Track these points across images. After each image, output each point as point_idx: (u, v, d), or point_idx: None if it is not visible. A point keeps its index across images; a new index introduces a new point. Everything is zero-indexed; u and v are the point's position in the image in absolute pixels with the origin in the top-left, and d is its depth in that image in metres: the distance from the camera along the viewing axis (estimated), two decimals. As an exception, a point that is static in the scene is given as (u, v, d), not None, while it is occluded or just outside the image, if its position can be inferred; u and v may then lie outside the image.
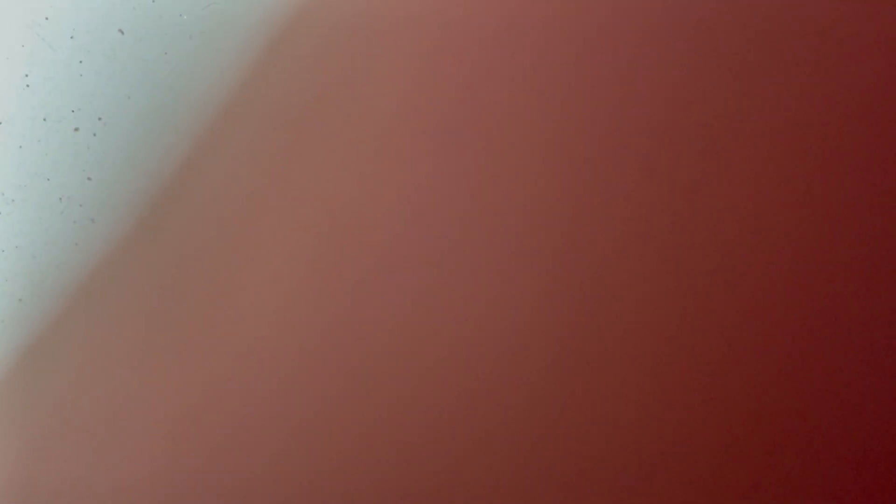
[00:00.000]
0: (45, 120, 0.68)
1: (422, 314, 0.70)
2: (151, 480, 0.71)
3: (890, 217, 0.62)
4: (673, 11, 0.66)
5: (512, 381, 0.69)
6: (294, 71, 0.70)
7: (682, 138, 0.66)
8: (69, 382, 0.71)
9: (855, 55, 0.63)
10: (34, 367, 0.70)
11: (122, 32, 0.69)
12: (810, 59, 0.63)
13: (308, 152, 0.70)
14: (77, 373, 0.71)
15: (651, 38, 0.66)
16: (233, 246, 0.71)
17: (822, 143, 0.64)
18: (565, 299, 0.68)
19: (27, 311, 0.69)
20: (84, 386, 0.71)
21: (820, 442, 0.64)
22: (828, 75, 0.63)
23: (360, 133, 0.70)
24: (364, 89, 0.70)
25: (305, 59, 0.70)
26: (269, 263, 0.71)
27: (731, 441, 0.65)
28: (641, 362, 0.67)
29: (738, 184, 0.65)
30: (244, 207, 0.70)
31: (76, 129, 0.69)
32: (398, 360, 0.70)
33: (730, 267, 0.65)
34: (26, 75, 0.67)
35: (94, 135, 0.69)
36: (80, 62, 0.68)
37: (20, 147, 0.68)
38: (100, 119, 0.69)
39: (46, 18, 0.67)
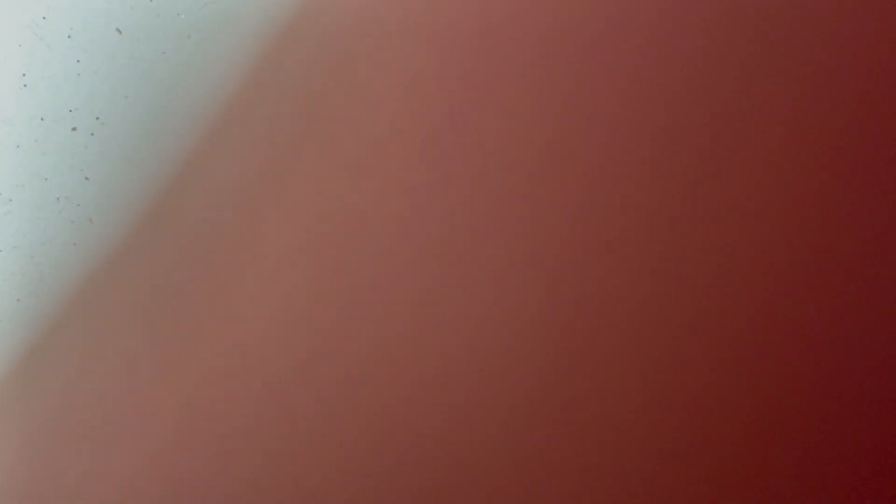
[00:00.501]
0: (42, 119, 0.68)
1: (421, 315, 0.70)
2: (151, 479, 0.72)
3: (890, 217, 0.62)
4: (671, 11, 0.66)
5: (511, 383, 0.69)
6: (292, 70, 0.70)
7: (681, 139, 0.66)
8: (68, 382, 0.71)
9: (855, 55, 0.63)
10: (33, 367, 0.70)
11: (120, 32, 0.68)
12: (809, 59, 0.64)
13: (307, 152, 0.70)
14: (76, 372, 0.71)
15: (649, 38, 0.66)
16: (231, 246, 0.71)
17: (821, 144, 0.64)
18: (564, 300, 0.68)
19: (25, 311, 0.69)
20: (83, 385, 0.71)
21: (819, 441, 0.64)
22: (827, 75, 0.63)
23: (360, 132, 0.70)
24: (363, 89, 0.70)
25: (304, 58, 0.70)
26: (268, 263, 0.71)
27: (729, 442, 0.65)
28: (640, 364, 0.67)
29: (736, 184, 0.65)
30: (243, 207, 0.70)
31: (74, 129, 0.68)
32: (398, 362, 0.70)
33: (729, 266, 0.65)
34: (24, 75, 0.67)
35: (92, 134, 0.69)
36: (78, 62, 0.68)
37: (18, 147, 0.68)
38: (98, 119, 0.69)
39: (44, 18, 0.67)
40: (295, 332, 0.71)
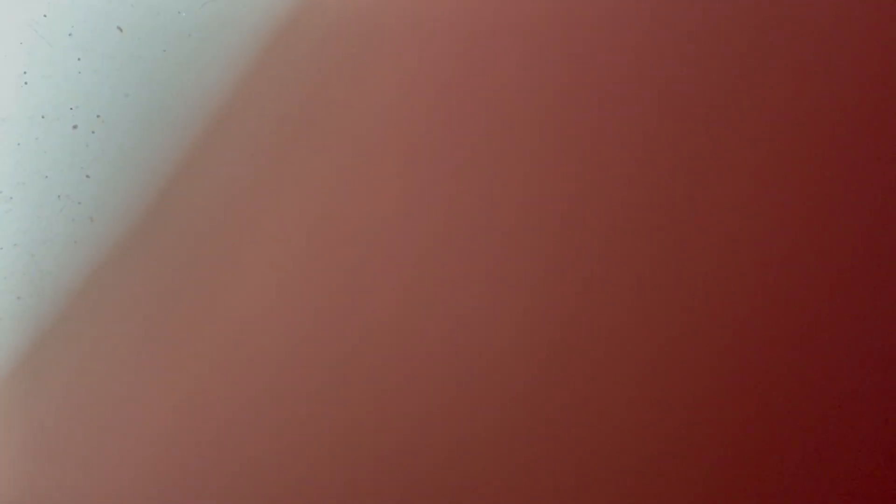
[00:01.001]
0: (43, 118, 0.68)
1: (419, 314, 0.70)
2: (150, 478, 0.71)
3: (890, 217, 0.62)
4: (668, 11, 0.66)
5: (505, 381, 0.69)
6: (292, 68, 0.70)
7: (676, 138, 0.66)
8: (68, 380, 0.71)
9: (854, 55, 0.63)
10: (33, 365, 0.70)
11: (121, 30, 0.68)
12: (806, 58, 0.64)
13: (307, 150, 0.70)
14: (76, 370, 0.71)
15: (645, 38, 0.66)
16: (231, 244, 0.71)
17: (820, 143, 0.64)
18: (558, 299, 0.68)
19: (26, 309, 0.69)
20: (83, 383, 0.71)
21: (818, 441, 0.64)
22: (826, 75, 0.63)
23: (360, 131, 0.70)
24: (362, 87, 0.70)
25: (303, 56, 0.70)
26: (267, 262, 0.71)
27: (725, 443, 0.65)
28: (634, 363, 0.67)
29: (734, 183, 0.65)
30: (243, 205, 0.70)
31: (75, 127, 0.68)
32: (397, 363, 0.70)
33: (724, 266, 0.65)
34: (24, 73, 0.67)
35: (93, 132, 0.69)
36: (79, 60, 0.68)
37: (18, 145, 0.68)
38: (98, 117, 0.69)
39: (45, 16, 0.67)
40: (295, 329, 0.71)
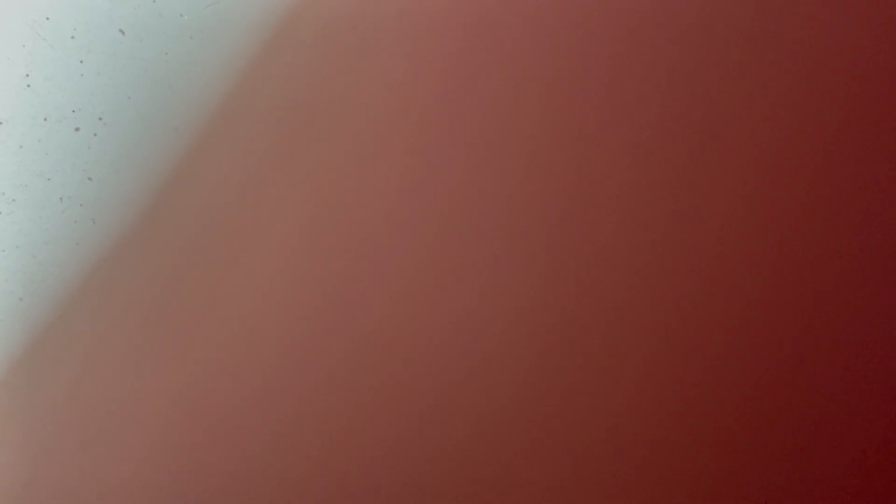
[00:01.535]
0: (45, 120, 0.68)
1: (417, 312, 0.70)
2: (150, 478, 0.72)
3: (889, 217, 0.62)
4: (667, 10, 0.66)
5: (503, 378, 0.69)
6: (293, 70, 0.71)
7: (673, 137, 0.66)
8: (69, 380, 0.71)
9: (854, 55, 0.63)
10: (34, 365, 0.70)
11: (123, 32, 0.69)
12: (804, 58, 0.64)
13: (308, 151, 0.70)
14: (77, 371, 0.71)
15: (642, 37, 0.66)
16: (232, 245, 0.71)
17: (817, 144, 0.64)
18: (558, 298, 0.68)
19: (28, 310, 0.70)
20: (84, 384, 0.71)
21: (818, 441, 0.64)
22: (825, 75, 0.64)
23: (359, 131, 0.70)
24: (362, 88, 0.70)
25: (304, 58, 0.71)
26: (269, 263, 0.71)
27: (722, 443, 0.66)
28: (631, 360, 0.67)
29: (734, 182, 0.65)
30: (244, 207, 0.71)
31: (77, 129, 0.69)
32: (397, 361, 0.70)
33: (721, 263, 0.66)
34: (27, 75, 0.67)
35: (95, 134, 0.69)
36: (81, 62, 0.68)
37: (21, 147, 0.68)
38: (100, 119, 0.69)
39: (47, 18, 0.67)
40: (294, 331, 0.71)
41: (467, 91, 0.69)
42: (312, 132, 0.70)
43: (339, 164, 0.70)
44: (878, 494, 0.63)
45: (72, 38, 0.68)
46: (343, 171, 0.70)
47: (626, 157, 0.67)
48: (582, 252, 0.67)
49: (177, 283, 0.71)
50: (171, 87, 0.70)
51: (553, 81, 0.68)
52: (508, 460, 0.69)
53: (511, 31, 0.68)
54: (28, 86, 0.67)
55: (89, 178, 0.69)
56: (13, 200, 0.68)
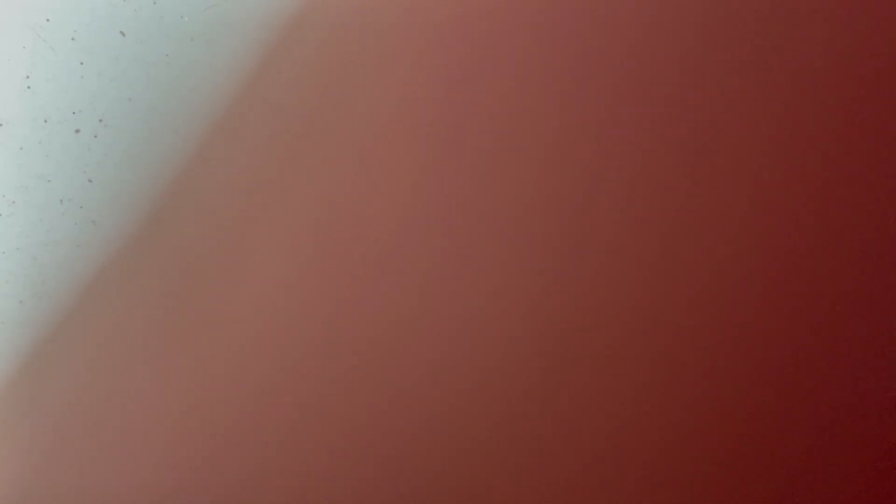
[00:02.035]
0: (46, 122, 0.68)
1: (419, 315, 0.70)
2: (153, 481, 0.72)
3: (889, 217, 0.63)
4: (669, 10, 0.66)
5: (508, 382, 0.69)
6: (294, 72, 0.71)
7: (677, 138, 0.66)
8: (71, 383, 0.71)
9: (854, 55, 0.63)
10: (36, 368, 0.70)
11: (124, 34, 0.68)
12: (805, 58, 0.64)
13: (309, 153, 0.70)
14: (78, 374, 0.71)
15: (645, 37, 0.66)
16: (234, 247, 0.71)
17: (818, 144, 0.64)
18: (565, 299, 0.68)
19: (28, 313, 0.69)
20: (85, 387, 0.71)
21: (817, 442, 0.64)
22: (825, 76, 0.64)
23: (361, 134, 0.70)
24: (364, 91, 0.70)
25: (305, 61, 0.71)
26: (270, 265, 0.71)
27: (721, 445, 0.66)
28: (633, 363, 0.67)
29: (737, 183, 0.65)
30: (245, 208, 0.70)
31: (77, 131, 0.68)
32: (403, 365, 0.70)
33: (724, 264, 0.66)
34: (27, 77, 0.67)
35: (96, 136, 0.69)
36: (82, 64, 0.68)
37: (21, 149, 0.68)
38: (101, 121, 0.69)
39: (48, 20, 0.67)
40: (297, 333, 0.71)
41: (473, 94, 0.69)
42: (315, 134, 0.70)
43: (343, 167, 0.70)
44: (880, 495, 0.63)
45: (72, 39, 0.68)
46: (347, 174, 0.70)
47: (637, 157, 0.67)
48: (592, 254, 0.68)
49: (179, 285, 0.71)
50: (172, 89, 0.69)
51: (563, 85, 0.68)
52: (518, 464, 0.69)
53: (521, 34, 0.68)
54: (28, 87, 0.67)
55: (90, 181, 0.69)
56: (13, 202, 0.68)
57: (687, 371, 0.66)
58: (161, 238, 0.70)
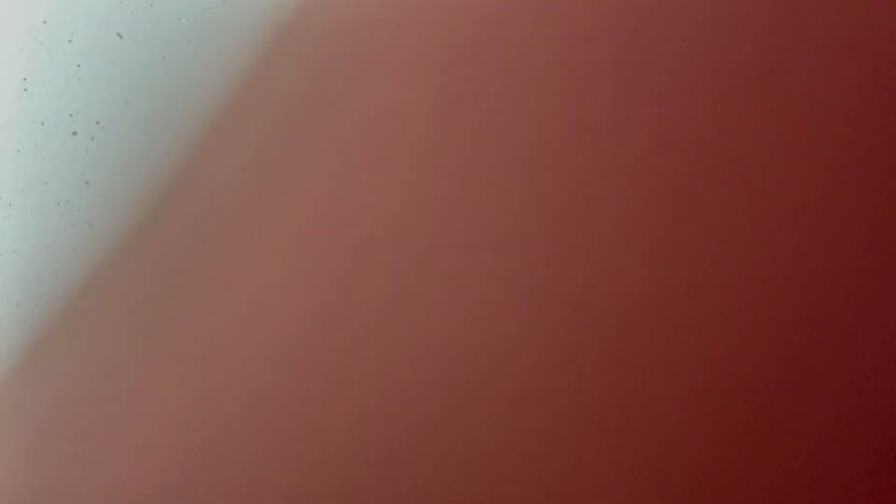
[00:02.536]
0: (42, 124, 0.68)
1: (418, 317, 0.70)
2: (149, 483, 0.71)
3: (890, 217, 0.63)
4: (669, 10, 0.66)
5: (506, 382, 0.69)
6: (293, 75, 0.70)
7: (676, 139, 0.66)
8: (67, 387, 0.71)
9: (854, 55, 0.63)
10: (32, 371, 0.70)
11: (121, 36, 0.68)
12: (805, 59, 0.64)
13: (307, 157, 0.70)
14: (74, 376, 0.71)
15: (645, 36, 0.67)
16: (231, 251, 0.71)
17: (818, 144, 0.64)
18: (561, 301, 0.68)
19: (25, 316, 0.69)
20: (82, 390, 0.71)
21: (817, 442, 0.64)
22: (825, 76, 0.64)
23: (360, 138, 0.70)
24: (363, 94, 0.70)
25: (304, 63, 0.71)
26: (267, 269, 0.71)
27: (721, 446, 0.66)
28: (633, 363, 0.67)
29: (737, 183, 0.66)
30: (243, 212, 0.70)
31: (74, 133, 0.68)
32: (399, 368, 0.70)
33: (723, 267, 0.66)
34: (24, 79, 0.67)
35: (93, 139, 0.69)
36: (78, 66, 0.68)
37: (17, 151, 0.68)
38: (98, 123, 0.69)
39: (44, 22, 0.67)
40: (293, 335, 0.71)
41: (473, 94, 0.69)
42: (313, 137, 0.70)
43: (341, 170, 0.70)
44: (880, 495, 0.63)
45: (69, 41, 0.68)
46: (344, 177, 0.70)
47: (636, 158, 0.67)
48: (590, 255, 0.68)
49: (176, 287, 0.71)
50: (169, 91, 0.69)
51: (561, 85, 0.68)
52: (516, 464, 0.69)
53: (521, 35, 0.68)
54: (25, 90, 0.67)
55: (87, 183, 0.69)
56: (10, 205, 0.68)
57: (687, 371, 0.66)
58: (158, 240, 0.70)
